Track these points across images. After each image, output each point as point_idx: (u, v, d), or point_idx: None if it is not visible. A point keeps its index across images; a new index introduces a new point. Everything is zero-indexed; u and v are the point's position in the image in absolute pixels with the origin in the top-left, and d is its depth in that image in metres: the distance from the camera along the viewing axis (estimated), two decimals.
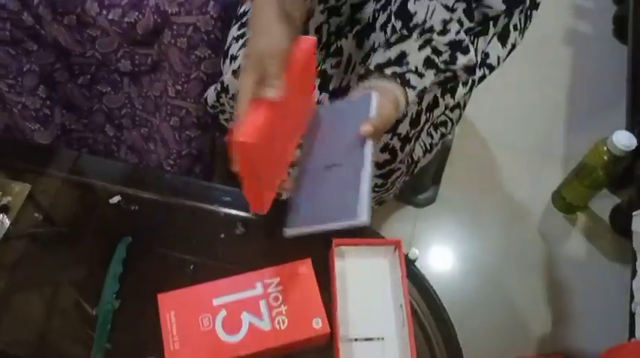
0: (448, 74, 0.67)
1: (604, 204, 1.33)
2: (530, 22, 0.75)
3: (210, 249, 0.71)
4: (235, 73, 0.81)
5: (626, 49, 1.51)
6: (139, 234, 0.72)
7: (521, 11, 0.72)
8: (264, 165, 0.56)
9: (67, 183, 0.79)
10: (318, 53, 0.81)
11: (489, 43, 0.72)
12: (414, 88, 0.65)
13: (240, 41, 0.83)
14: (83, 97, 1.05)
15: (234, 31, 0.86)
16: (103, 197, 0.76)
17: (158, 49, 0.94)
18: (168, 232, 0.73)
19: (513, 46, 0.76)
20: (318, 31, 0.79)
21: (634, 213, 0.98)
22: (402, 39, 0.66)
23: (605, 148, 1.15)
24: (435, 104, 0.79)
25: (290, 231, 0.61)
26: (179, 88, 0.95)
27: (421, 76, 0.65)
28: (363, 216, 0.54)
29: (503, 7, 0.68)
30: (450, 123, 0.93)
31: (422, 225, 1.30)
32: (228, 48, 0.85)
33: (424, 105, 0.78)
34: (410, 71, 0.65)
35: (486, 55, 0.74)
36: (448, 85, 0.75)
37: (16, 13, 0.90)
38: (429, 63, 0.65)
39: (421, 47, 0.65)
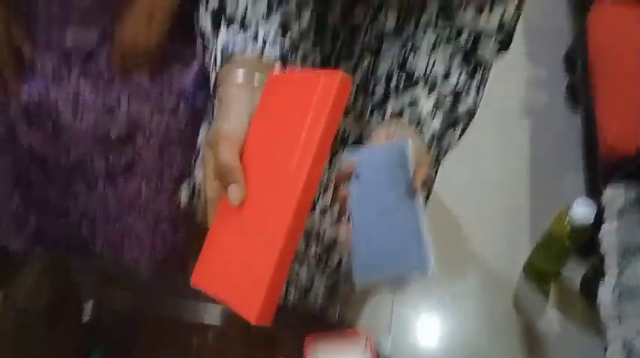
0: (452, 118, 0.71)
1: (576, 271, 1.36)
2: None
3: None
4: None
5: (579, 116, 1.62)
6: (112, 343, 0.72)
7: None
8: None
9: (40, 285, 0.80)
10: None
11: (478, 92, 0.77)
12: (425, 132, 0.68)
13: None
14: (59, 198, 1.07)
15: (204, 130, 0.90)
16: (77, 301, 0.77)
17: (132, 150, 0.97)
18: (141, 342, 0.74)
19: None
20: None
21: (600, 284, 1.02)
22: (411, 85, 0.70)
23: (568, 218, 1.20)
24: None
25: (363, 280, 0.61)
26: (153, 186, 0.98)
27: (432, 119, 0.69)
28: (429, 268, 0.57)
29: (494, 57, 0.74)
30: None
31: (399, 308, 1.31)
32: (199, 148, 0.88)
33: None
34: (421, 116, 0.68)
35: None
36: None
37: None
38: (437, 106, 0.69)
39: (429, 92, 0.69)
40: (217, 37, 0.63)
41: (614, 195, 1.09)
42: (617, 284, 0.97)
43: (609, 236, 1.05)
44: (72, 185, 1.06)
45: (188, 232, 1.07)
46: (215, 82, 0.62)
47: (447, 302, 1.33)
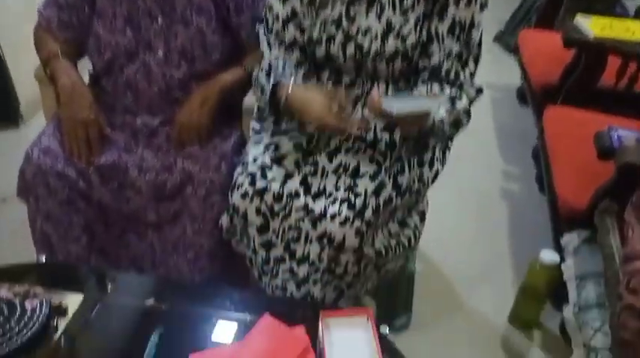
0: (454, 113, 1.09)
1: (556, 318, 1.53)
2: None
3: None
4: (243, 196, 1.13)
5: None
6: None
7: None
8: None
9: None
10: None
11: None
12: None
13: (242, 176, 1.16)
14: (114, 245, 1.31)
15: (238, 171, 1.20)
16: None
17: (180, 202, 1.25)
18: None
19: None
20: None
21: (564, 307, 1.21)
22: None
23: (538, 264, 1.43)
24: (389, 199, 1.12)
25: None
26: (196, 227, 1.24)
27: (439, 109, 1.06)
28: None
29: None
30: (412, 230, 1.22)
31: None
32: (235, 182, 1.17)
33: (381, 200, 1.10)
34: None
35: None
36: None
37: (74, 181, 1.22)
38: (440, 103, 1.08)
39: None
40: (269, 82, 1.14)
41: (570, 238, 1.33)
42: (576, 303, 1.17)
43: (568, 269, 1.27)
44: (126, 234, 1.31)
45: (224, 262, 1.29)
46: (277, 105, 1.14)
47: (441, 346, 1.48)
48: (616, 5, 2.63)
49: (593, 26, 1.80)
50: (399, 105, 0.97)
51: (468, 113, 1.13)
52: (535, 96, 2.11)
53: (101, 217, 1.28)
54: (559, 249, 1.51)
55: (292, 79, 1.13)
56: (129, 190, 1.24)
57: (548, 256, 1.41)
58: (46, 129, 1.29)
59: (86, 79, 1.36)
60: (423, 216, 1.28)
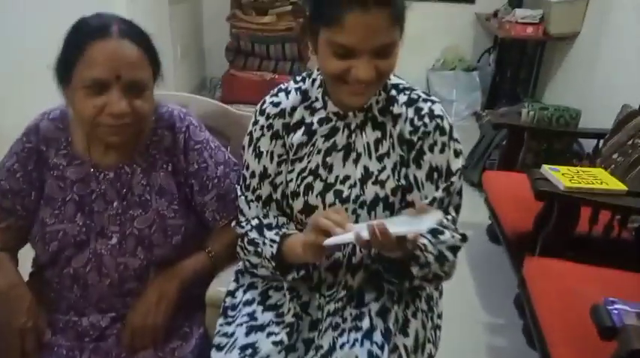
0: (438, 246, 0.99)
1: None
2: None
3: None
4: None
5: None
6: None
7: None
8: None
9: None
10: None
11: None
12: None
13: None
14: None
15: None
16: None
17: None
18: None
19: None
20: None
21: None
22: None
23: None
24: None
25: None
26: None
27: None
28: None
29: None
30: None
31: None
32: None
33: None
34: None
35: None
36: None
37: None
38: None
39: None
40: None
41: None
42: None
43: None
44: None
45: None
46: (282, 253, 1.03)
47: None
48: (573, 143, 2.74)
49: (561, 177, 1.80)
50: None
51: (453, 249, 1.03)
52: (510, 245, 2.07)
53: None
54: None
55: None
56: None
57: None
58: None
59: (28, 267, 1.21)
60: None
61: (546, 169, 1.87)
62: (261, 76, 4.02)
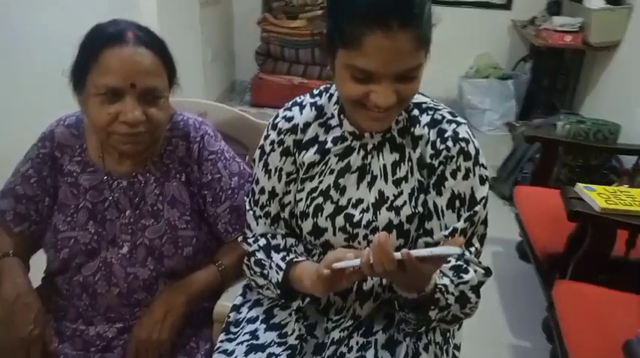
0: (460, 287, 0.92)
1: None
2: None
3: None
4: None
5: None
6: None
7: None
8: None
9: None
10: None
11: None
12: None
13: None
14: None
15: None
16: None
17: None
18: None
19: None
20: None
21: None
22: None
23: None
24: None
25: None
26: None
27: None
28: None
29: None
30: None
31: None
32: None
33: None
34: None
35: None
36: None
37: None
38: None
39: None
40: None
41: None
42: None
43: None
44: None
45: None
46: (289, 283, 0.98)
47: None
48: (611, 159, 2.61)
49: (597, 197, 1.70)
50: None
51: (475, 290, 0.95)
52: (540, 265, 1.97)
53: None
54: None
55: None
56: None
57: None
58: None
59: (40, 275, 1.19)
60: None
61: (581, 188, 1.77)
62: (290, 80, 4.01)
